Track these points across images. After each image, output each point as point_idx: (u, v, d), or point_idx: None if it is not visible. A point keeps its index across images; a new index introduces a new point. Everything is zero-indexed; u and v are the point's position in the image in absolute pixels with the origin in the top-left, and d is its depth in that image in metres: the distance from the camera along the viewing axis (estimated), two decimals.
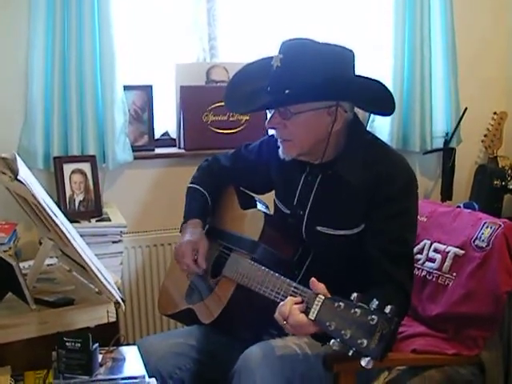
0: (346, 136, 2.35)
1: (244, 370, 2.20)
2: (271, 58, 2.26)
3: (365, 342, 1.77)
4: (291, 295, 2.08)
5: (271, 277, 2.22)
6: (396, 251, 2.24)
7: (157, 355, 2.44)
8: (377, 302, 1.80)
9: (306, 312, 1.96)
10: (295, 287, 2.10)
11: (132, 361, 2.12)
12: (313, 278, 2.02)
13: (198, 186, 2.71)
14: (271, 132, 2.37)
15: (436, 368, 2.59)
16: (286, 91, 2.19)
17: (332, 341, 1.82)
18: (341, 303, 1.86)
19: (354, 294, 1.86)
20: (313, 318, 1.93)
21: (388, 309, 1.78)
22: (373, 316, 1.78)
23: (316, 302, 1.94)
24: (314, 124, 2.26)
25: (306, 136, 2.28)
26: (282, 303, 2.05)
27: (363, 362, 1.76)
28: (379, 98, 2.25)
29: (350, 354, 1.80)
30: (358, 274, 2.24)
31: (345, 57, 2.26)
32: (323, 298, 1.93)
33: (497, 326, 2.67)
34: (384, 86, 2.21)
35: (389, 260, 2.22)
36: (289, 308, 2.01)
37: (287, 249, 2.41)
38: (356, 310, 1.82)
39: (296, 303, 2.02)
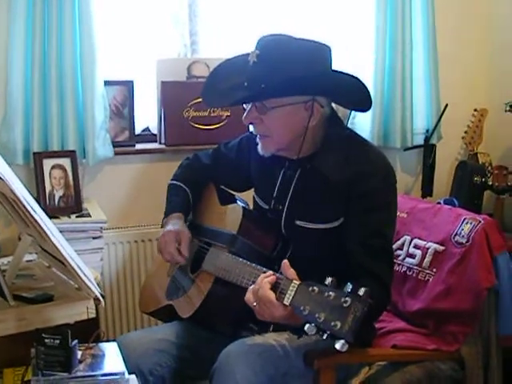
0: (324, 131, 2.36)
1: (224, 368, 2.19)
2: (248, 54, 2.27)
3: (338, 324, 1.76)
4: None
5: (247, 267, 2.23)
6: (375, 245, 2.25)
7: (137, 352, 2.42)
8: (351, 286, 1.80)
9: (281, 298, 1.95)
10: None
11: (112, 357, 2.10)
12: (285, 261, 2.03)
13: (179, 183, 2.71)
14: (251, 127, 2.37)
15: (416, 363, 2.59)
16: (262, 86, 2.20)
17: (307, 325, 1.82)
18: (315, 287, 1.86)
19: (329, 279, 1.85)
20: (288, 303, 1.92)
21: (362, 291, 1.77)
22: (346, 298, 1.77)
23: (291, 288, 1.93)
24: (291, 119, 2.27)
25: (283, 131, 2.29)
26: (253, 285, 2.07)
27: (338, 346, 1.76)
28: (356, 94, 2.26)
29: (325, 337, 1.79)
30: (338, 268, 2.24)
31: (321, 52, 2.27)
32: (298, 283, 1.93)
33: (476, 321, 2.67)
34: (361, 81, 2.21)
35: (368, 254, 2.23)
36: (259, 281, 2.02)
37: (266, 243, 2.41)
38: (330, 293, 1.81)
39: (267, 277, 2.02)
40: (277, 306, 1.96)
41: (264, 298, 1.98)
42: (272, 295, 1.97)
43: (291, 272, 1.99)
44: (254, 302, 2.02)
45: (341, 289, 1.81)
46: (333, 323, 1.77)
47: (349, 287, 1.80)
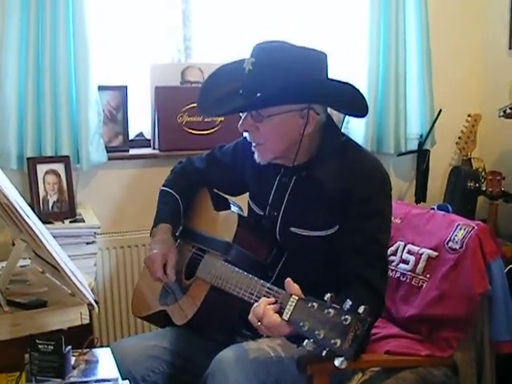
0: (320, 138, 2.35)
1: (217, 374, 2.18)
2: (244, 60, 2.26)
3: (338, 342, 1.77)
4: (265, 296, 2.08)
5: (245, 278, 2.22)
6: (370, 252, 2.24)
7: (130, 358, 2.42)
8: (350, 303, 1.80)
9: (280, 312, 1.96)
10: (269, 288, 2.10)
11: (105, 363, 2.11)
12: (288, 279, 2.02)
13: (169, 190, 2.70)
14: (245, 134, 2.37)
15: (410, 369, 2.59)
16: (258, 94, 2.20)
17: (306, 341, 1.82)
18: (314, 303, 1.86)
19: (328, 295, 1.86)
20: (286, 319, 1.93)
21: (361, 309, 1.78)
22: (346, 316, 1.78)
23: (290, 303, 1.94)
24: (286, 127, 2.26)
25: (279, 139, 2.29)
26: (255, 304, 2.05)
27: (337, 362, 1.76)
28: (352, 101, 2.25)
29: (324, 354, 1.79)
30: (332, 275, 2.25)
31: (317, 59, 2.26)
32: (297, 298, 1.93)
33: (470, 327, 2.68)
34: (356, 88, 2.21)
35: (362, 261, 2.23)
36: (263, 309, 2.00)
37: (261, 250, 2.41)
38: (329, 310, 1.82)
39: (270, 303, 2.01)
40: (284, 326, 1.96)
41: (270, 324, 1.98)
42: (278, 319, 1.96)
43: (296, 288, 1.99)
44: (259, 323, 2.02)
45: (340, 304, 1.81)
46: (333, 341, 1.77)
47: (348, 303, 1.80)
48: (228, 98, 2.33)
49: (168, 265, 2.48)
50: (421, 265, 2.85)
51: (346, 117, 3.87)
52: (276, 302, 2.00)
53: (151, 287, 2.68)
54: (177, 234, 2.65)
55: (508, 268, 3.09)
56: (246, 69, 2.23)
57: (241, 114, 2.31)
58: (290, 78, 2.16)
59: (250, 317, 2.04)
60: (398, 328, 2.83)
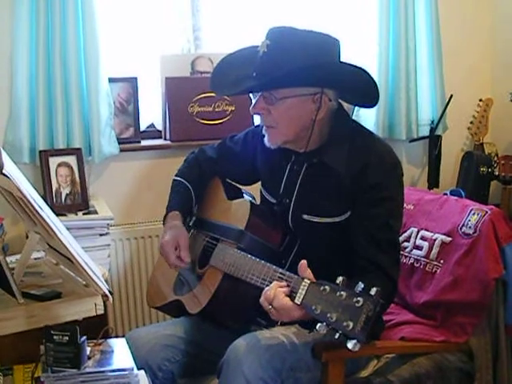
0: (331, 125, 2.36)
1: (232, 362, 2.19)
2: (257, 46, 2.27)
3: (351, 324, 1.76)
4: (277, 281, 2.09)
5: (257, 264, 2.23)
6: (381, 238, 2.25)
7: (146, 347, 2.43)
8: (362, 285, 1.80)
9: (292, 296, 1.96)
10: (281, 273, 2.11)
11: (120, 353, 2.11)
12: (303, 261, 2.03)
13: (181, 179, 2.71)
14: (257, 122, 2.37)
15: (425, 355, 2.60)
16: (272, 75, 2.20)
17: (318, 325, 1.82)
18: (326, 287, 1.86)
19: (340, 278, 1.86)
20: (299, 303, 1.93)
21: (373, 291, 1.78)
22: (358, 298, 1.77)
23: (302, 287, 1.94)
24: (299, 111, 2.27)
25: (291, 123, 2.29)
26: (267, 288, 2.06)
27: (350, 345, 1.76)
28: (363, 87, 2.26)
29: (337, 337, 1.79)
30: (345, 262, 2.25)
31: (331, 44, 2.27)
32: (309, 282, 1.93)
33: (485, 312, 2.67)
34: (369, 74, 2.21)
35: (374, 246, 2.23)
36: (274, 291, 2.02)
37: (274, 238, 2.41)
38: (341, 292, 1.82)
39: (281, 287, 2.02)
40: (294, 309, 1.97)
41: (280, 306, 1.99)
42: (288, 302, 1.98)
43: (308, 273, 2.00)
44: (269, 306, 2.03)
45: (352, 288, 1.81)
46: (345, 323, 1.77)
47: (360, 286, 1.80)
48: (241, 80, 2.34)
49: (180, 248, 2.48)
50: (434, 250, 2.85)
51: None
52: (288, 286, 2.01)
53: (166, 277, 2.69)
54: (190, 223, 2.66)
55: None
56: (261, 51, 2.24)
57: (252, 97, 2.32)
58: (304, 61, 2.17)
59: (262, 300, 2.05)
60: (413, 314, 2.84)
